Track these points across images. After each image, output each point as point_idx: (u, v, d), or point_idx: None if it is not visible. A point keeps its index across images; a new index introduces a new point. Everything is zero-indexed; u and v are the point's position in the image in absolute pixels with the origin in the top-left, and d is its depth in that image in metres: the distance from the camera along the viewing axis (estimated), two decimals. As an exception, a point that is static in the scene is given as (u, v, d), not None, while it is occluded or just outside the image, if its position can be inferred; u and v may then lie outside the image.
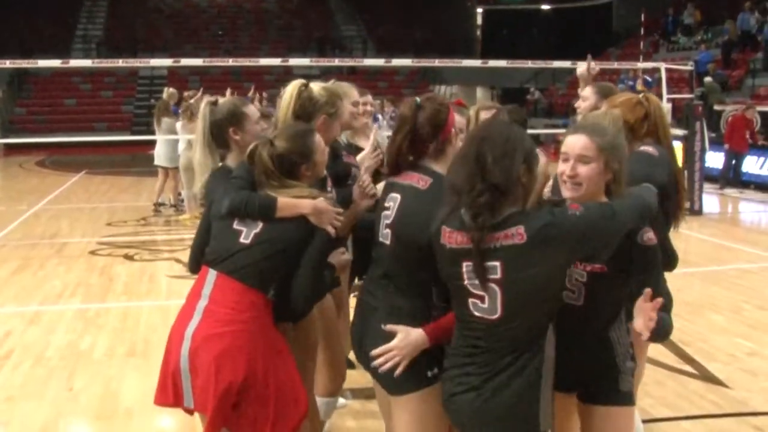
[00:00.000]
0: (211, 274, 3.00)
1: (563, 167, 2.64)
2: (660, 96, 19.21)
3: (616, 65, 23.38)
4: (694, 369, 5.49)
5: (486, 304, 2.48)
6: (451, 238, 2.53)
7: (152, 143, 13.87)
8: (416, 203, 2.81)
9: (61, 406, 5.00)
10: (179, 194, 12.42)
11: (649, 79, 23.83)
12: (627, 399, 2.78)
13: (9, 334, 6.44)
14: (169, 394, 3.02)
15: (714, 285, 7.73)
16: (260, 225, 2.98)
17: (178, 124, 11.77)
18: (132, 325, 6.71)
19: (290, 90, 3.46)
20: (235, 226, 3.02)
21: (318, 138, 3.14)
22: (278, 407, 2.95)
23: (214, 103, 3.52)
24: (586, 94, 4.19)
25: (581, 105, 4.19)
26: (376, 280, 2.94)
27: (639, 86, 23.83)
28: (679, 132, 17.00)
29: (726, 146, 15.75)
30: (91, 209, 13.32)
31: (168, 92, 12.58)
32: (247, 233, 2.99)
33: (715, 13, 27.19)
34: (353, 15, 37.40)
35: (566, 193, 2.64)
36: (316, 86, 3.50)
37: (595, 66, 4.64)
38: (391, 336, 2.78)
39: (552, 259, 2.42)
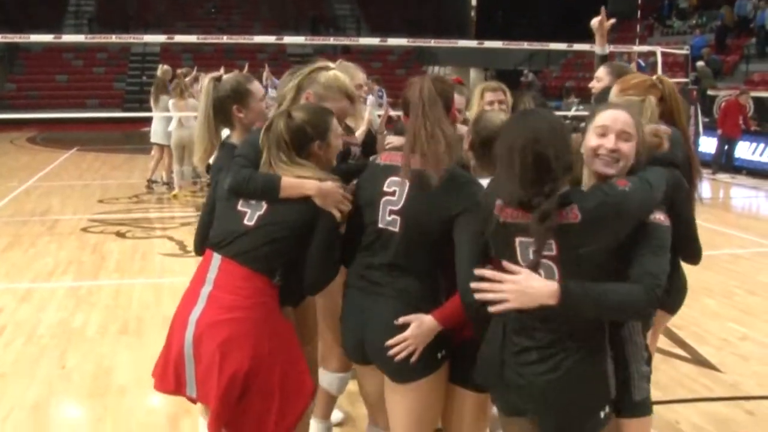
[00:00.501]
0: (216, 258, 2.92)
1: (600, 141, 2.54)
2: (656, 80, 19.17)
3: (612, 48, 23.23)
4: (687, 353, 5.52)
5: None
6: (505, 212, 2.48)
7: (144, 120, 13.81)
8: (429, 192, 2.75)
9: (53, 384, 5.00)
10: (172, 172, 12.38)
11: (642, 63, 23.78)
12: (641, 409, 2.70)
13: (0, 312, 6.41)
14: (170, 380, 2.94)
15: (706, 270, 7.73)
16: (264, 206, 2.89)
17: (170, 102, 11.72)
18: (124, 303, 6.71)
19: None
20: (239, 207, 2.93)
21: (335, 121, 3.06)
22: (283, 396, 2.88)
23: (218, 79, 3.43)
24: (600, 74, 4.19)
25: (596, 85, 4.17)
26: (379, 268, 2.85)
27: (633, 70, 23.84)
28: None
29: (719, 131, 15.76)
30: (83, 186, 13.25)
31: (162, 69, 12.52)
32: (251, 215, 2.90)
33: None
34: (347, -6, 37.24)
35: (601, 167, 2.53)
36: (324, 76, 3.36)
37: (610, 20, 4.60)
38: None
39: (606, 236, 2.39)
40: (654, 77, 3.47)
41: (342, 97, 3.34)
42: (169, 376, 2.94)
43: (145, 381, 4.94)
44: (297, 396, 2.93)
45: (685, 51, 21.15)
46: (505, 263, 2.45)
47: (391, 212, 2.80)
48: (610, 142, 2.53)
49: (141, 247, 8.80)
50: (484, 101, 4.27)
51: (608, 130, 2.54)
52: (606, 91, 3.80)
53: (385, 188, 2.83)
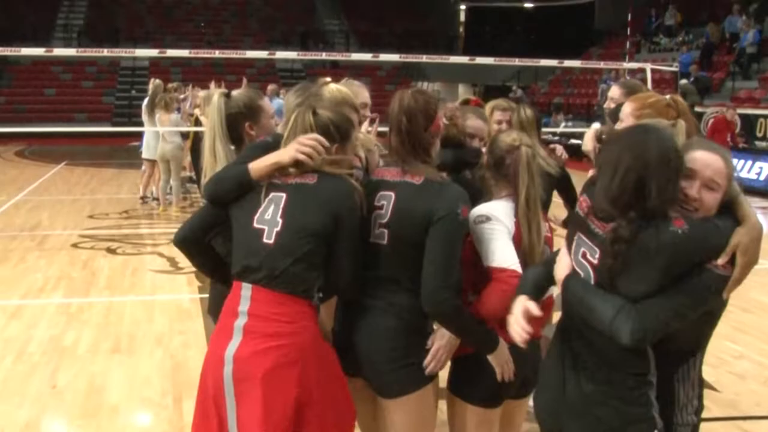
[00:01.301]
0: (246, 288, 2.69)
1: (683, 184, 2.32)
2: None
3: (602, 65, 23.43)
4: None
5: None
6: (582, 206, 2.46)
7: (133, 135, 13.75)
8: (411, 199, 2.77)
9: (44, 403, 4.93)
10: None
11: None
12: None
13: (-10, 329, 6.33)
14: (212, 423, 2.70)
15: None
16: (280, 222, 2.67)
17: (156, 116, 11.74)
18: (116, 320, 6.65)
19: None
20: (255, 224, 2.71)
21: (356, 132, 3.00)
22: (335, 425, 2.73)
23: (227, 95, 3.26)
24: (614, 94, 4.16)
25: (611, 105, 4.13)
26: (370, 281, 2.84)
27: (645, 88, 23.98)
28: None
29: (708, 148, 15.82)
30: (72, 201, 13.18)
31: (154, 84, 12.48)
32: (269, 232, 2.68)
33: (695, 15, 27.39)
34: (336, 9, 37.32)
35: (673, 212, 2.29)
36: (328, 90, 3.22)
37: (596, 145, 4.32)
38: (393, 333, 2.77)
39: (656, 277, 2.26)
40: (668, 96, 3.47)
41: (350, 111, 3.30)
42: (211, 418, 2.71)
43: (138, 400, 4.99)
44: (345, 422, 2.80)
45: (674, 68, 21.34)
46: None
47: (380, 225, 2.81)
48: (693, 189, 2.33)
49: (132, 264, 8.74)
50: (494, 119, 4.26)
51: (695, 175, 2.34)
52: (619, 107, 3.80)
53: (376, 203, 2.83)
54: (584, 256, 2.40)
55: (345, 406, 2.79)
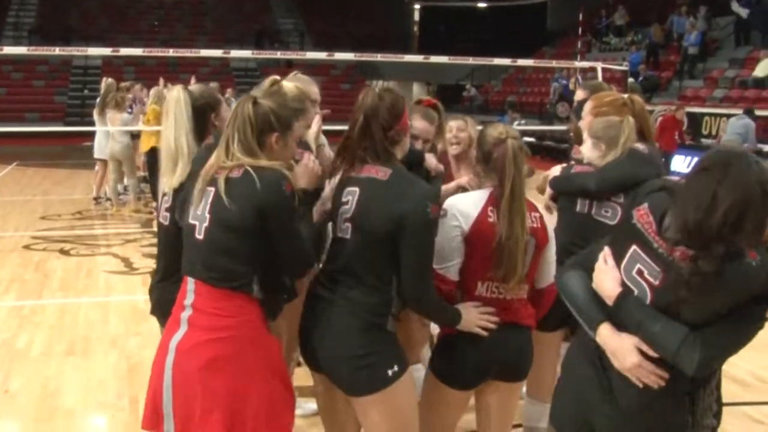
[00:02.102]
0: (190, 283, 2.79)
1: None
2: (594, 95, 19.71)
3: (554, 64, 23.76)
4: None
5: None
6: (641, 214, 2.40)
7: (87, 134, 13.66)
8: (377, 195, 2.84)
9: (-3, 407, 4.89)
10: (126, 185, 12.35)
11: (581, 80, 24.32)
12: None
13: (-58, 333, 6.28)
14: (149, 416, 2.81)
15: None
16: (208, 218, 2.74)
17: (108, 115, 11.68)
18: (70, 323, 6.64)
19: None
20: (190, 220, 2.81)
21: (302, 125, 3.12)
22: (272, 418, 2.77)
23: (186, 90, 3.40)
24: (578, 97, 4.36)
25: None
26: (333, 274, 2.93)
27: (572, 86, 24.38)
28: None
29: (656, 146, 16.19)
30: (24, 202, 13.04)
31: (107, 83, 12.39)
32: (200, 228, 2.76)
33: (644, 15, 27.89)
34: (291, 8, 37.27)
35: None
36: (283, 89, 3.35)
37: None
38: (346, 331, 2.84)
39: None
40: (625, 96, 3.62)
41: (311, 105, 3.39)
42: (149, 410, 2.81)
43: (94, 403, 4.98)
44: (284, 414, 2.85)
45: (624, 67, 21.72)
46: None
47: (345, 220, 2.89)
48: None
49: (85, 265, 8.72)
50: (451, 134, 4.40)
51: None
52: (581, 104, 3.96)
53: (342, 199, 2.92)
54: (641, 274, 2.35)
55: (285, 398, 2.84)
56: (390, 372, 2.86)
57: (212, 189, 2.75)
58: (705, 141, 18.21)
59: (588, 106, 3.80)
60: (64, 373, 5.49)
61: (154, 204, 11.76)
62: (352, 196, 2.89)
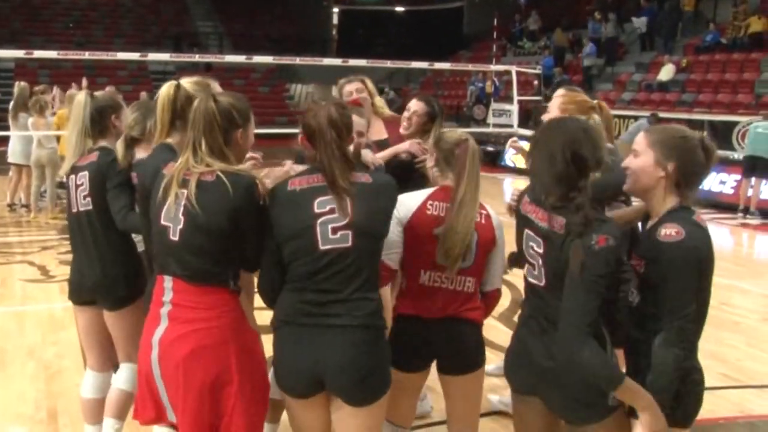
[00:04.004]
0: (167, 281, 2.88)
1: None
2: (510, 98, 20.33)
3: (470, 67, 24.28)
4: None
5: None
6: (526, 206, 2.86)
7: (2, 139, 13.42)
8: (374, 198, 2.93)
9: None
10: (44, 191, 12.14)
11: (497, 83, 24.98)
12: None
13: None
14: (149, 408, 2.92)
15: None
16: (182, 220, 2.81)
17: (29, 120, 11.53)
18: (-15, 333, 6.54)
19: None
20: (162, 221, 2.87)
21: None
22: (255, 400, 2.91)
23: (91, 95, 3.90)
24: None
25: (557, 113, 4.42)
26: (330, 293, 2.85)
27: (488, 88, 24.99)
28: (528, 132, 18.05)
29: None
30: (-65, 210, 12.71)
31: (20, 86, 12.22)
32: (173, 229, 2.83)
33: (555, 20, 28.73)
34: (209, 11, 37.02)
35: None
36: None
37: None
38: (365, 348, 2.88)
39: None
40: (595, 101, 3.89)
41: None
42: (148, 404, 2.92)
43: (12, 416, 4.89)
44: (263, 400, 2.98)
45: (537, 70, 22.40)
46: None
47: (336, 229, 2.83)
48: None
49: (0, 274, 8.60)
50: (345, 91, 4.58)
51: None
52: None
53: (317, 209, 2.85)
54: (532, 248, 2.83)
55: (263, 385, 2.98)
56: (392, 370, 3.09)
57: (184, 191, 2.82)
58: (616, 142, 18.90)
59: (557, 102, 4.07)
60: (-20, 384, 5.41)
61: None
62: (335, 204, 2.85)
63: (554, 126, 2.91)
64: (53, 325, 6.78)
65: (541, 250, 2.78)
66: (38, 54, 17.29)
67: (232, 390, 2.83)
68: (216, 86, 3.63)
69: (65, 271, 8.40)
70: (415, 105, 4.56)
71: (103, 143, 3.87)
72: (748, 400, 5.42)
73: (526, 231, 2.85)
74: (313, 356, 2.85)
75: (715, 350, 6.28)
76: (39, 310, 7.28)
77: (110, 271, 3.84)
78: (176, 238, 2.83)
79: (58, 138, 11.86)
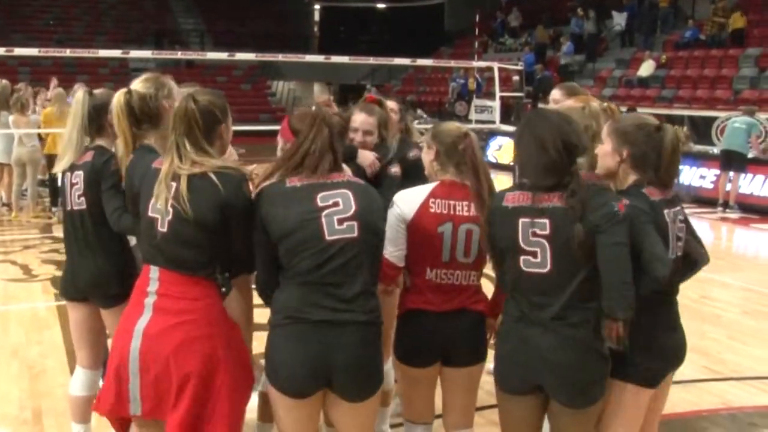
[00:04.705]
0: (153, 271, 2.92)
1: None
2: (492, 94, 20.39)
3: (453, 63, 24.31)
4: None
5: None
6: (509, 198, 2.98)
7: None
8: (370, 192, 3.02)
9: None
10: (25, 190, 12.05)
11: (480, 79, 25.05)
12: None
13: None
14: (108, 398, 2.92)
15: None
16: (171, 212, 2.85)
17: (10, 118, 11.42)
18: (-31, 334, 6.53)
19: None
20: (150, 213, 2.91)
21: None
22: (236, 395, 2.93)
23: (90, 93, 3.87)
24: (557, 96, 4.62)
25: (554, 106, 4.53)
26: (340, 287, 2.86)
27: (471, 85, 25.05)
28: (509, 128, 18.12)
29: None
30: None
31: (2, 84, 12.12)
32: (162, 221, 2.88)
33: (536, 17, 28.87)
34: (190, 8, 36.89)
35: None
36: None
37: None
38: (375, 344, 2.95)
39: None
40: (605, 104, 3.90)
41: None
42: (108, 393, 2.92)
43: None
44: (247, 389, 3.03)
45: (519, 67, 22.49)
46: None
47: (342, 221, 2.86)
48: None
49: (-18, 274, 8.53)
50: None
51: None
52: (556, 104, 4.42)
53: (320, 203, 2.88)
54: (535, 234, 2.92)
55: (247, 374, 3.02)
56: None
57: (174, 184, 2.86)
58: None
59: (568, 104, 4.08)
60: (-36, 383, 5.40)
61: (53, 209, 11.69)
62: (340, 197, 2.89)
63: (540, 117, 3.06)
64: (37, 324, 6.76)
65: (546, 232, 2.88)
66: (18, 52, 16.97)
67: (218, 380, 2.85)
68: (168, 80, 3.62)
69: (48, 270, 8.51)
70: (391, 104, 4.62)
71: (100, 142, 3.86)
72: (730, 393, 5.48)
73: (522, 220, 2.91)
74: (322, 353, 2.85)
75: (697, 343, 6.35)
76: (22, 309, 7.25)
77: (103, 268, 3.85)
78: (164, 229, 2.87)
79: (40, 136, 11.82)
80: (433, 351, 3.37)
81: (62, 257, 8.83)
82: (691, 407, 5.13)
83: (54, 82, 14.01)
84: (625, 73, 23.24)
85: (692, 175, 14.80)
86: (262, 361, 3.06)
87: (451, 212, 3.27)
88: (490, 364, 3.38)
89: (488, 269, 3.37)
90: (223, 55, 20.37)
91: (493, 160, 18.88)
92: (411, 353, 3.34)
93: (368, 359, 2.92)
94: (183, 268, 2.88)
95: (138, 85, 3.40)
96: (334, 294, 2.85)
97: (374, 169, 4.04)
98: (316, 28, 40.20)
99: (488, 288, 3.52)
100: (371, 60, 19.45)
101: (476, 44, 28.82)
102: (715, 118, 17.34)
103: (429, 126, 4.26)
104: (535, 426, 3.16)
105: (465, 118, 23.22)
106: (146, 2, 35.99)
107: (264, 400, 3.72)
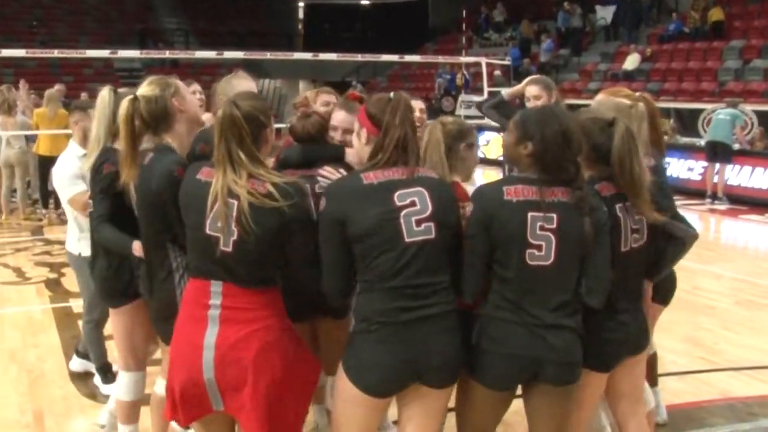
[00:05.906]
0: (215, 285, 2.87)
1: None
2: (479, 89, 20.42)
3: (441, 59, 24.33)
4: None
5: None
6: (513, 192, 2.97)
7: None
8: (444, 188, 2.99)
9: None
10: (13, 192, 11.97)
11: (467, 75, 25.08)
12: None
13: None
14: (194, 407, 2.92)
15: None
16: (235, 231, 2.79)
17: (-2, 120, 11.42)
18: (-37, 338, 6.50)
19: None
20: (208, 231, 2.83)
21: None
22: (305, 396, 3.02)
23: (115, 92, 3.94)
24: (536, 92, 4.63)
25: (536, 104, 4.57)
26: (424, 286, 2.85)
27: (459, 80, 25.09)
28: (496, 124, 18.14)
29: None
30: None
31: (-14, 87, 12.09)
32: (225, 240, 2.81)
33: (520, 12, 28.95)
34: (174, 7, 36.74)
35: None
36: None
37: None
38: (458, 335, 2.93)
39: None
40: (638, 94, 3.87)
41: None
42: (192, 404, 2.91)
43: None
44: (312, 386, 3.08)
45: (506, 62, 22.55)
46: None
47: (420, 222, 2.83)
48: None
49: (-26, 277, 8.49)
50: (320, 101, 4.56)
51: None
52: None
53: (398, 203, 2.84)
54: (542, 228, 2.95)
55: (312, 370, 3.06)
56: None
57: (234, 202, 2.78)
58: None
59: (600, 96, 4.01)
60: (-40, 388, 5.37)
61: (43, 211, 11.66)
62: (416, 197, 2.85)
63: (563, 111, 3.13)
64: (32, 327, 6.73)
65: (553, 225, 2.93)
66: (5, 53, 16.85)
67: (291, 379, 2.89)
68: (174, 80, 3.53)
69: (41, 272, 8.49)
70: (418, 104, 4.67)
71: (116, 145, 3.75)
72: (727, 383, 5.54)
73: (531, 214, 2.93)
74: (415, 350, 2.84)
75: (692, 334, 6.42)
76: (17, 312, 7.20)
77: (104, 269, 3.89)
78: (229, 249, 2.81)
79: (27, 138, 11.77)
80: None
81: (55, 259, 9.00)
82: (689, 398, 5.19)
83: (23, 84, 14.02)
84: (610, 67, 23.33)
85: (680, 167, 14.89)
86: None
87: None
88: None
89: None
90: (210, 54, 20.31)
91: (481, 155, 18.94)
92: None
93: (457, 345, 2.93)
94: (248, 283, 2.85)
95: (143, 89, 3.36)
96: (418, 294, 2.83)
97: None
98: (300, 26, 40.12)
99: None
100: (359, 57, 19.37)
101: (463, 39, 28.87)
102: (701, 110, 17.45)
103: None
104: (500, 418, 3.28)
105: (452, 114, 23.27)
106: (128, 2, 35.81)
107: None
